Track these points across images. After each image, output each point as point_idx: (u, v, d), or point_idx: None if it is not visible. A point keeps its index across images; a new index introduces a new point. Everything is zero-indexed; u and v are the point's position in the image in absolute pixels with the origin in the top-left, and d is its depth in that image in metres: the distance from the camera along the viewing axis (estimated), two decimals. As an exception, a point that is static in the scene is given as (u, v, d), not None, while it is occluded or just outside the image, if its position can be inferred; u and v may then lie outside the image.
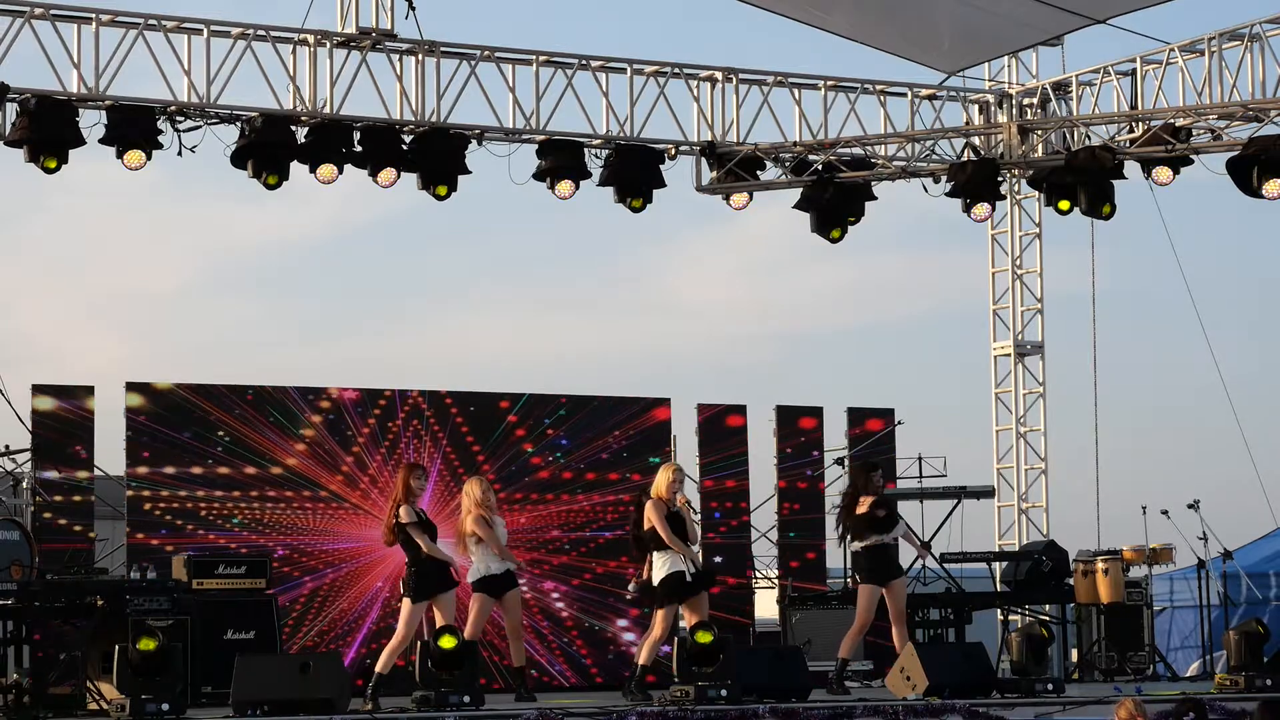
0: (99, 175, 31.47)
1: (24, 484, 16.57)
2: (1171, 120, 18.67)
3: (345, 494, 17.63)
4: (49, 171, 16.86)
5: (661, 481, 14.92)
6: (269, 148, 17.62)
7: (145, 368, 37.22)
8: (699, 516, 16.28)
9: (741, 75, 19.81)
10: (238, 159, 17.64)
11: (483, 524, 14.80)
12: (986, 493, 20.20)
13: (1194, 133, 18.77)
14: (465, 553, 14.90)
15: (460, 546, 14.94)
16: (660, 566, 14.82)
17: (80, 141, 17.04)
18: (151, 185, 38.16)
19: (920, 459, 19.73)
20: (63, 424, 16.68)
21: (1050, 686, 14.96)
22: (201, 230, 36.72)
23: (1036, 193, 20.30)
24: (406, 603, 14.36)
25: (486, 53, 18.70)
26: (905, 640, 15.50)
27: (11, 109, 16.94)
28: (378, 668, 14.23)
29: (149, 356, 38.66)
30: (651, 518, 14.78)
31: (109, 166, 17.25)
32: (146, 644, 12.67)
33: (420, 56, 18.42)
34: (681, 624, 15.23)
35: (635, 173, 19.17)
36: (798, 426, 19.49)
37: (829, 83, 20.06)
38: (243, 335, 36.80)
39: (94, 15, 17.19)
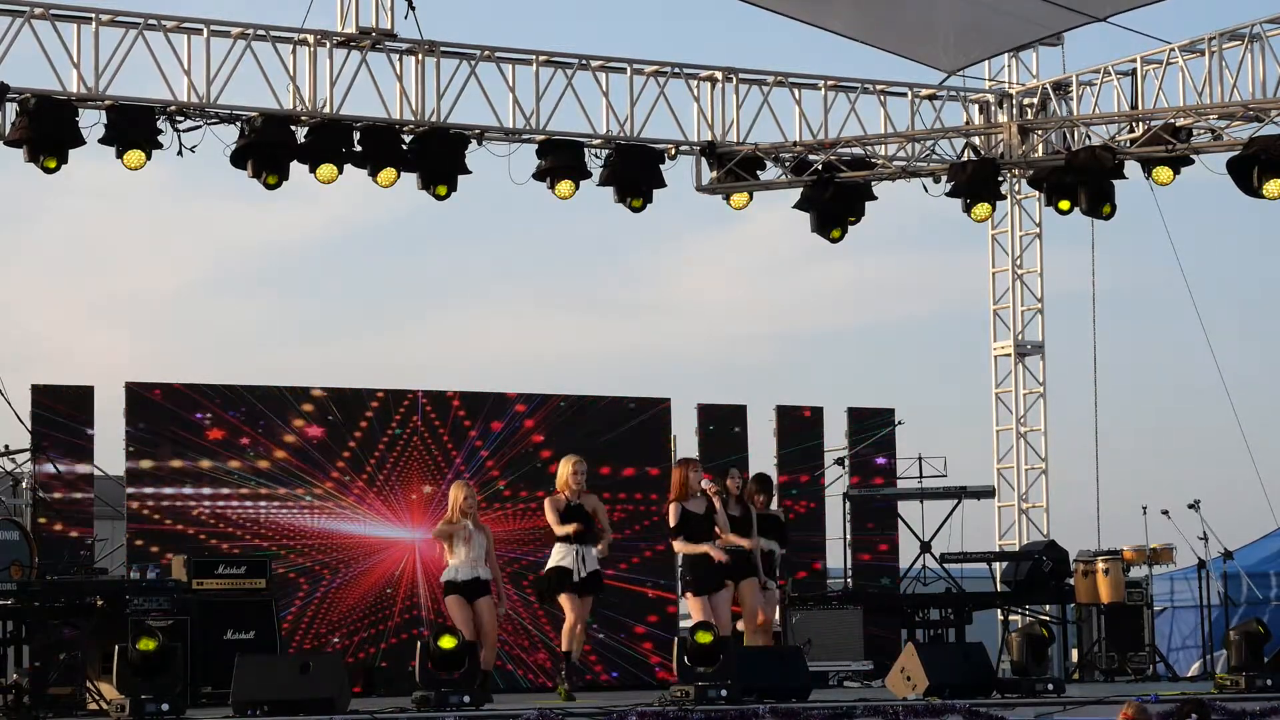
0: (99, 175, 31.59)
1: (24, 484, 16.56)
2: (1172, 120, 18.66)
3: (341, 494, 17.62)
4: (49, 171, 16.85)
5: (561, 475, 15.04)
6: (269, 148, 17.60)
7: (146, 368, 37.36)
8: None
9: (741, 75, 19.80)
10: (238, 159, 17.63)
11: (443, 532, 14.67)
12: (986, 493, 20.18)
13: (1194, 133, 18.76)
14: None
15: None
16: (553, 557, 14.98)
17: (80, 141, 17.02)
18: (152, 185, 38.19)
19: (920, 459, 19.71)
20: (62, 424, 16.67)
21: (1050, 687, 14.94)
22: (202, 230, 36.79)
23: (1036, 193, 20.30)
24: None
25: (486, 53, 18.69)
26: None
27: (11, 109, 16.93)
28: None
29: (149, 357, 38.71)
30: (546, 511, 15.03)
31: (109, 166, 17.29)
32: (146, 644, 12.65)
33: (420, 56, 18.41)
34: (683, 624, 15.19)
35: (635, 173, 19.15)
36: (797, 426, 19.50)
37: (829, 83, 20.05)
38: (243, 335, 36.85)
39: (94, 15, 17.18)
